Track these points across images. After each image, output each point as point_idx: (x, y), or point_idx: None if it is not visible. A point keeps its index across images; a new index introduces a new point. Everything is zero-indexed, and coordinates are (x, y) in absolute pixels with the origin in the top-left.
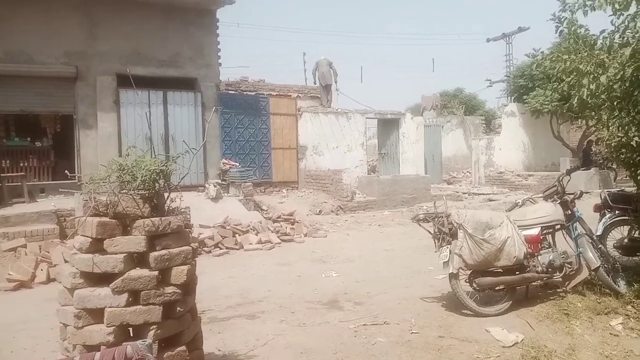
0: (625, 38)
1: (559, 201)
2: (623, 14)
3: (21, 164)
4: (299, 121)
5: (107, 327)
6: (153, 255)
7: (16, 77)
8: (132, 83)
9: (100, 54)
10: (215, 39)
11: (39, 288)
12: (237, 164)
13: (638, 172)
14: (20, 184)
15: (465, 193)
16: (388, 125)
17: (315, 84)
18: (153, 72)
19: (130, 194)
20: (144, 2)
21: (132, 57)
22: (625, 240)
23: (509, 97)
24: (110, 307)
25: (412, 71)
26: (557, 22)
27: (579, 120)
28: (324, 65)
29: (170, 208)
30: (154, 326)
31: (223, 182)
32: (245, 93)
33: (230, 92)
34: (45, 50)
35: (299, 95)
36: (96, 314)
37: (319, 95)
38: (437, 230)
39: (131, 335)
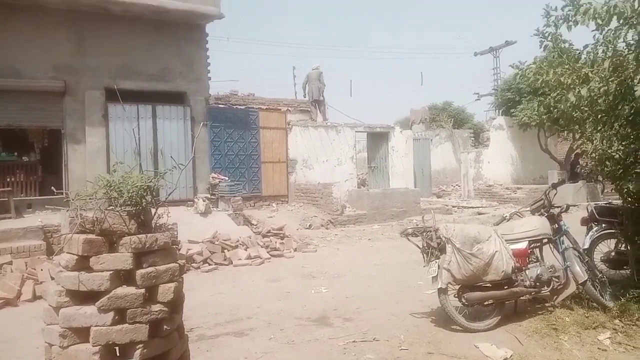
0: (607, 52)
1: (545, 215)
2: (605, 29)
3: (8, 179)
4: (288, 135)
5: (93, 346)
6: (140, 272)
7: (3, 91)
8: (119, 98)
9: (88, 69)
10: (205, 53)
11: (25, 306)
12: (227, 178)
13: (622, 184)
14: (6, 199)
15: (455, 206)
16: (377, 139)
17: (305, 97)
18: (142, 86)
19: (117, 211)
20: (133, 17)
21: (121, 71)
22: (613, 254)
23: (497, 111)
24: (96, 326)
25: (401, 85)
26: (541, 37)
27: (565, 133)
28: (313, 79)
29: (158, 224)
30: (141, 345)
31: (212, 197)
32: (235, 107)
33: (219, 106)
34: (33, 64)
35: (289, 109)
36: (82, 333)
37: (309, 109)
38: (425, 245)
39: (117, 354)
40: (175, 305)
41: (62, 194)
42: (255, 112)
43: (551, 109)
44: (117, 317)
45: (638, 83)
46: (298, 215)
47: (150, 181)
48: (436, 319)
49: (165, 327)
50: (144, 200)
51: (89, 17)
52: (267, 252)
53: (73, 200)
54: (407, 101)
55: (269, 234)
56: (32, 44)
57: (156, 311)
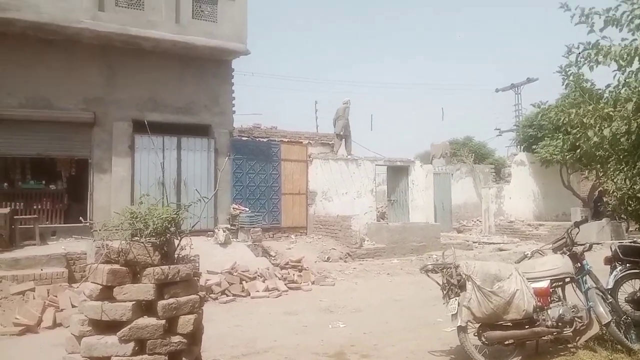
0: (630, 93)
1: (568, 253)
2: (626, 70)
3: (35, 207)
4: (309, 167)
5: None
6: (161, 303)
7: (35, 121)
8: (148, 129)
9: (117, 101)
10: (230, 87)
11: (45, 333)
12: (247, 209)
13: None
14: (32, 226)
15: (476, 242)
16: (397, 173)
17: (337, 132)
18: (168, 118)
19: (142, 242)
20: (162, 52)
21: (149, 104)
22: (638, 294)
23: (519, 147)
24: (116, 356)
25: (422, 119)
26: (563, 75)
27: (587, 171)
28: (343, 116)
29: (180, 256)
30: None
31: (232, 227)
32: (257, 139)
33: (243, 138)
34: (64, 96)
35: (310, 142)
36: None
37: (330, 142)
38: (445, 282)
39: None
40: (195, 337)
41: (87, 223)
42: (277, 144)
43: (574, 146)
44: (137, 348)
45: None
46: (316, 248)
47: (175, 213)
48: (455, 358)
49: (184, 359)
50: (168, 232)
51: (120, 52)
52: (285, 285)
53: (99, 230)
54: (428, 136)
55: (287, 266)
56: (64, 77)
57: (176, 342)
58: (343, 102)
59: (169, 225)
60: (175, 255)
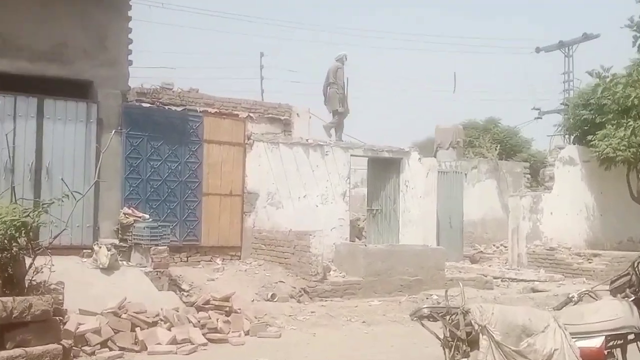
0: None
1: (633, 297)
2: None
3: None
4: (248, 154)
5: None
6: (1, 355)
7: None
8: None
9: None
10: (126, 24)
11: None
12: (147, 216)
13: None
14: None
15: (498, 277)
16: (384, 168)
17: (330, 108)
18: (25, 68)
19: None
20: None
21: None
22: None
23: (567, 136)
24: None
25: (425, 91)
26: (635, 30)
27: None
28: (335, 82)
29: (34, 282)
30: None
31: (122, 244)
32: (167, 108)
33: (143, 104)
34: None
35: (251, 115)
36: None
37: (281, 118)
38: (448, 335)
39: None
40: None
41: None
42: (198, 116)
43: None
44: None
45: None
46: (255, 279)
47: (27, 215)
48: None
49: None
50: (14, 245)
51: None
52: (203, 335)
53: None
54: (432, 115)
55: (207, 306)
56: None
57: None
58: (336, 59)
59: (17, 234)
60: (26, 282)
